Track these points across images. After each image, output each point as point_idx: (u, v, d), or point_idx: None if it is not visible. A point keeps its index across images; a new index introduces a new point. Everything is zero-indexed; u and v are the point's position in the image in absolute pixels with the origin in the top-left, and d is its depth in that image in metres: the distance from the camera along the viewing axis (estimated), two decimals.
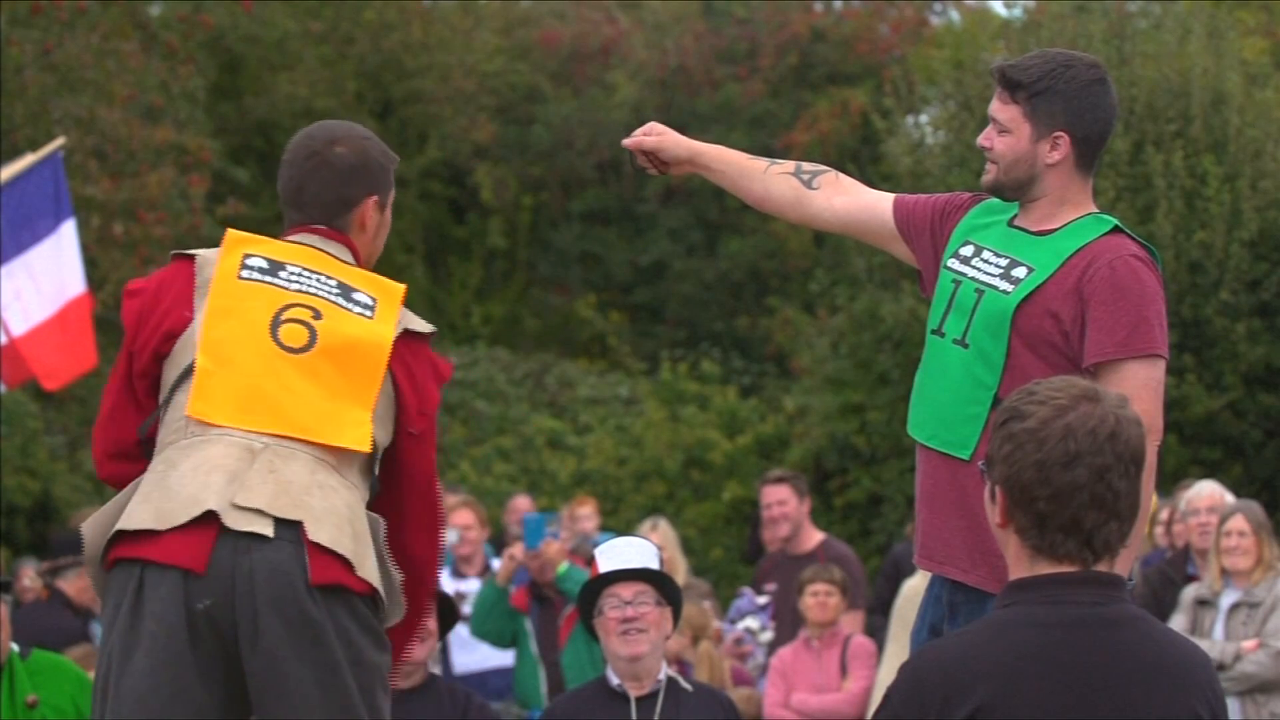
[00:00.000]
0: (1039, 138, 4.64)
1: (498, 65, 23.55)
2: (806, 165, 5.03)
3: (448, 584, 9.95)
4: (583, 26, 24.61)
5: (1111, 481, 3.11)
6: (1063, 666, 3.09)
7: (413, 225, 22.90)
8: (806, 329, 18.86)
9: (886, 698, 3.16)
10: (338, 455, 4.27)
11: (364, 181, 4.49)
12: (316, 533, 4.15)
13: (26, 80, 15.59)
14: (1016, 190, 4.69)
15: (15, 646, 6.23)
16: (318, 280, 4.38)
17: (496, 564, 9.41)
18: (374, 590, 4.23)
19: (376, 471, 4.38)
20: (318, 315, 4.32)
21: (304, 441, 4.24)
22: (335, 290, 4.37)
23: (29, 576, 10.82)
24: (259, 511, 4.13)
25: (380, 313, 4.38)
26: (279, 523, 4.14)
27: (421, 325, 4.45)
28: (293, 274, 4.38)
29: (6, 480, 15.12)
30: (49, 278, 10.00)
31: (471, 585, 9.75)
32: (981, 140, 4.72)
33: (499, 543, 11.27)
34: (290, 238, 4.51)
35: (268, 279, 4.36)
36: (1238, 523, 8.11)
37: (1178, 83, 15.31)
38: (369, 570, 4.23)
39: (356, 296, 4.39)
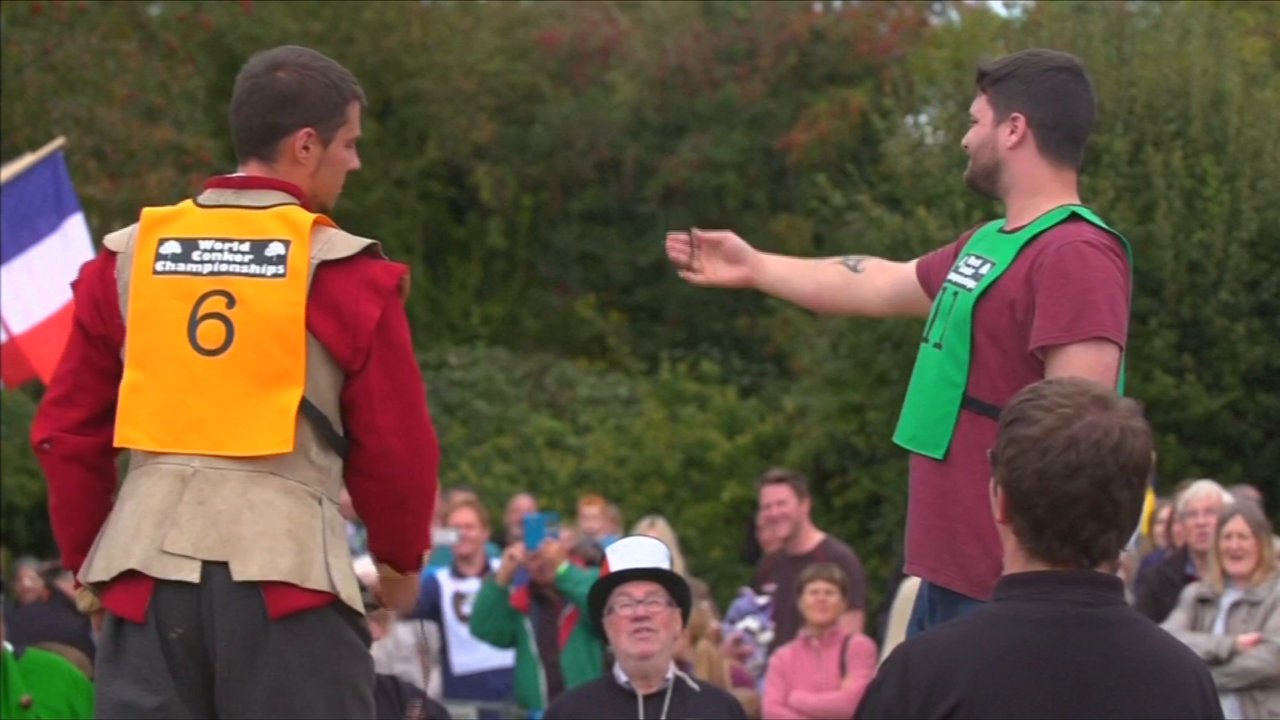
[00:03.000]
0: (999, 121, 4.67)
1: (497, 65, 23.56)
2: (851, 256, 5.18)
3: (448, 584, 9.95)
4: (582, 26, 24.61)
5: (1113, 493, 3.09)
6: (1050, 665, 3.08)
7: (412, 225, 22.91)
8: (806, 329, 18.85)
9: (876, 684, 3.16)
10: (275, 458, 4.23)
11: (297, 111, 4.32)
12: (244, 570, 4.16)
13: (26, 80, 15.59)
14: (986, 179, 4.71)
15: (9, 646, 6.22)
16: (230, 250, 4.25)
17: (497, 564, 9.42)
18: (333, 596, 4.21)
19: (342, 429, 4.31)
20: (231, 303, 4.22)
21: (232, 458, 4.22)
22: (248, 257, 4.24)
23: (29, 576, 10.82)
24: (186, 556, 4.17)
25: (292, 261, 4.23)
26: (209, 563, 4.17)
27: (343, 250, 4.26)
28: (205, 251, 4.26)
29: (6, 480, 15.13)
30: (51, 275, 9.99)
31: (471, 585, 9.75)
32: (963, 140, 4.80)
33: (501, 542, 11.27)
34: (207, 196, 4.37)
35: (180, 267, 4.26)
36: (1237, 524, 8.10)
37: (1177, 83, 15.31)
38: (317, 577, 4.20)
39: (270, 251, 4.24)
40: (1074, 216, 4.57)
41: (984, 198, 4.83)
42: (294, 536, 4.20)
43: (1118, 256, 4.51)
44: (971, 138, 4.73)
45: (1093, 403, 3.11)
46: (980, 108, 4.71)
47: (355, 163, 4.46)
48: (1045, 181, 4.65)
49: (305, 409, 4.24)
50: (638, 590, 5.81)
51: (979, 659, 3.08)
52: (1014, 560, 3.18)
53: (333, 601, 4.22)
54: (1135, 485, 3.11)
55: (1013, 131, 4.64)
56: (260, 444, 4.21)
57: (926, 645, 3.16)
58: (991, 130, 4.67)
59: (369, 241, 4.30)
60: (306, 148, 4.34)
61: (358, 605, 4.26)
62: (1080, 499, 3.08)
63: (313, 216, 4.29)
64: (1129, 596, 9.33)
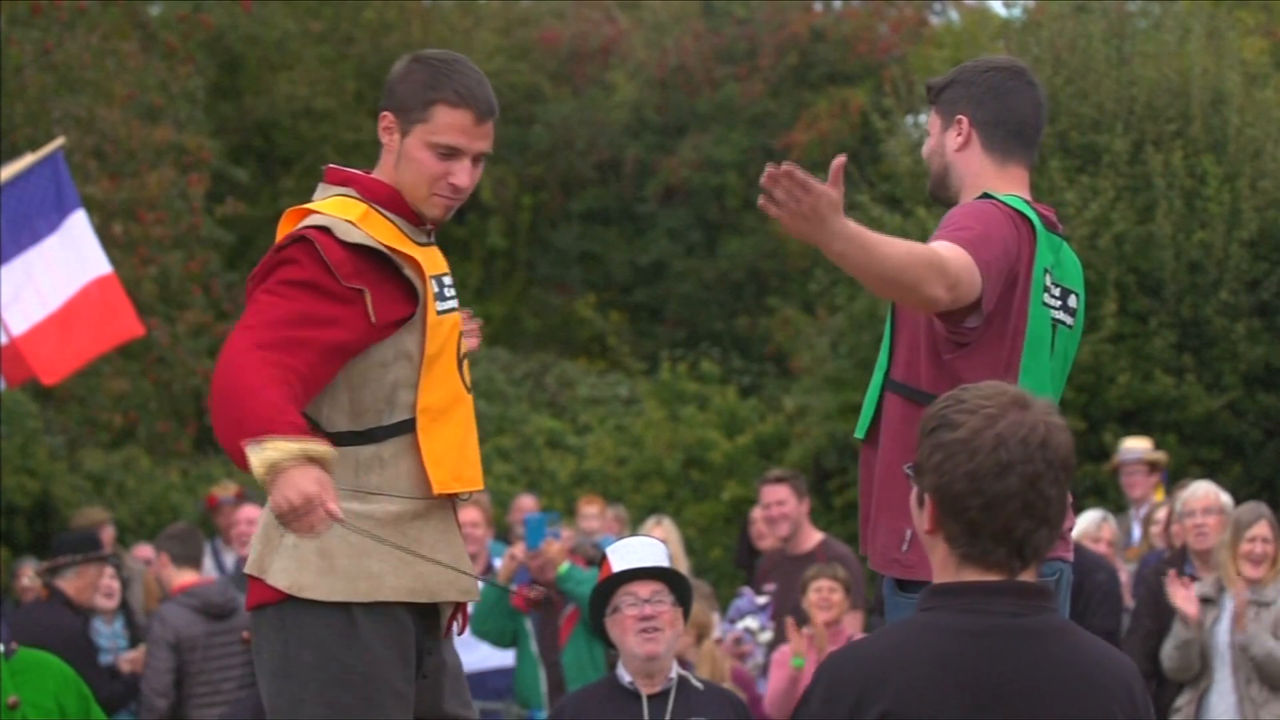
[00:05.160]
0: (946, 127, 4.75)
1: (497, 65, 23.56)
2: None
3: None
4: (582, 26, 24.63)
5: (1043, 489, 3.10)
6: (977, 676, 3.08)
7: None
8: (806, 329, 18.86)
9: (806, 696, 3.16)
10: None
11: (388, 95, 4.44)
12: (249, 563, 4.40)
13: (26, 80, 15.59)
14: (941, 186, 4.78)
15: None
16: None
17: (499, 564, 9.42)
18: (282, 593, 4.27)
19: (335, 419, 4.33)
20: None
21: None
22: None
23: (28, 576, 10.82)
24: None
25: None
26: None
27: (289, 239, 4.28)
28: None
29: (6, 480, 15.12)
30: (50, 276, 9.99)
31: None
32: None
33: (506, 542, 11.27)
34: None
35: None
36: (1262, 529, 8.05)
37: (1177, 83, 15.31)
38: (269, 569, 4.29)
39: None
40: (984, 196, 4.64)
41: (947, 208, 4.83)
42: (266, 530, 4.32)
43: (1009, 217, 4.53)
44: (925, 149, 4.82)
45: (1012, 402, 3.13)
46: (931, 121, 4.81)
47: (459, 178, 4.38)
48: (990, 179, 4.70)
49: None
50: (643, 589, 5.81)
51: (907, 670, 3.08)
52: (944, 569, 3.18)
53: (289, 597, 4.27)
54: (1062, 481, 3.14)
55: (958, 134, 4.71)
56: None
57: (854, 656, 3.17)
58: (939, 137, 4.75)
59: (302, 231, 4.27)
60: (389, 130, 4.41)
61: (311, 595, 4.25)
62: (1012, 497, 3.08)
63: (289, 212, 4.35)
64: (1128, 598, 9.33)
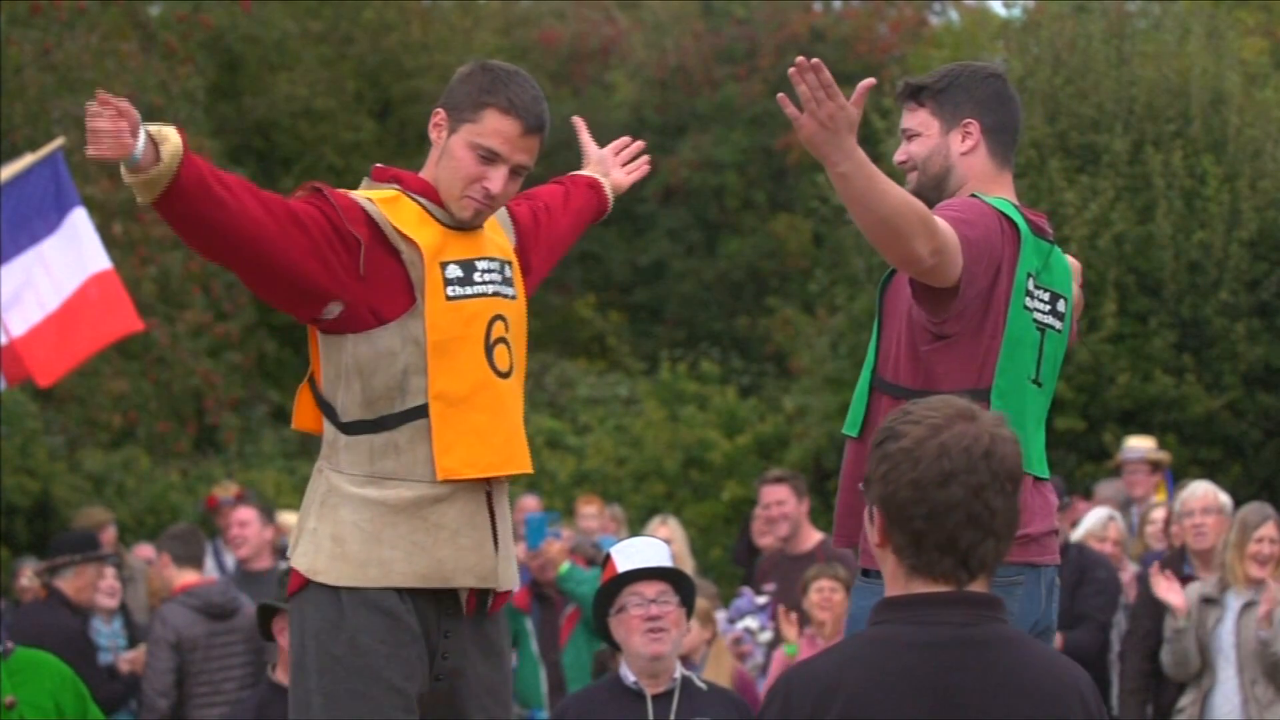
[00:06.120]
0: (949, 130, 4.75)
1: None
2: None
3: None
4: (582, 26, 24.63)
5: (988, 499, 3.10)
6: (927, 687, 3.09)
7: None
8: (806, 329, 18.86)
9: (763, 712, 3.18)
10: (324, 437, 4.46)
11: (444, 93, 4.55)
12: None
13: (26, 80, 15.59)
14: (936, 188, 4.77)
15: None
16: None
17: None
18: (305, 579, 4.32)
19: (348, 409, 4.39)
20: None
21: None
22: None
23: (26, 576, 10.81)
24: None
25: None
26: None
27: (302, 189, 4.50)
28: None
29: (6, 480, 15.12)
30: (50, 276, 9.99)
31: None
32: (897, 157, 4.83)
33: None
34: None
35: None
36: (1269, 530, 8.03)
37: (1177, 83, 15.32)
38: (294, 557, 4.36)
39: None
40: (974, 197, 4.66)
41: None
42: (299, 519, 4.43)
43: (995, 216, 4.56)
44: (917, 150, 4.77)
45: (959, 414, 3.14)
46: (922, 120, 4.77)
47: (493, 184, 4.46)
48: (989, 183, 4.74)
49: (314, 390, 4.44)
50: (649, 590, 5.81)
51: (855, 685, 3.09)
52: (893, 582, 3.19)
53: (308, 583, 4.31)
54: (1009, 492, 3.13)
55: (965, 137, 4.73)
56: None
57: (807, 672, 3.17)
58: (941, 139, 4.75)
59: (314, 184, 4.45)
60: (438, 127, 4.53)
61: (324, 579, 4.29)
62: (956, 506, 3.09)
63: (340, 193, 4.43)
64: (1131, 592, 9.32)
